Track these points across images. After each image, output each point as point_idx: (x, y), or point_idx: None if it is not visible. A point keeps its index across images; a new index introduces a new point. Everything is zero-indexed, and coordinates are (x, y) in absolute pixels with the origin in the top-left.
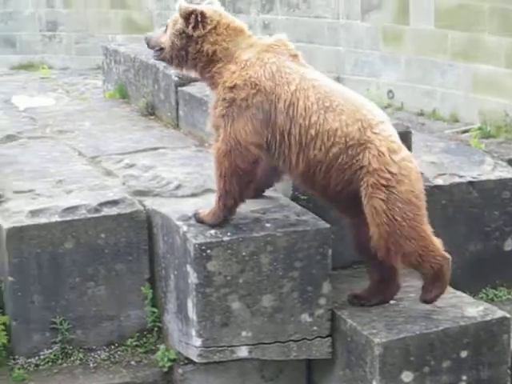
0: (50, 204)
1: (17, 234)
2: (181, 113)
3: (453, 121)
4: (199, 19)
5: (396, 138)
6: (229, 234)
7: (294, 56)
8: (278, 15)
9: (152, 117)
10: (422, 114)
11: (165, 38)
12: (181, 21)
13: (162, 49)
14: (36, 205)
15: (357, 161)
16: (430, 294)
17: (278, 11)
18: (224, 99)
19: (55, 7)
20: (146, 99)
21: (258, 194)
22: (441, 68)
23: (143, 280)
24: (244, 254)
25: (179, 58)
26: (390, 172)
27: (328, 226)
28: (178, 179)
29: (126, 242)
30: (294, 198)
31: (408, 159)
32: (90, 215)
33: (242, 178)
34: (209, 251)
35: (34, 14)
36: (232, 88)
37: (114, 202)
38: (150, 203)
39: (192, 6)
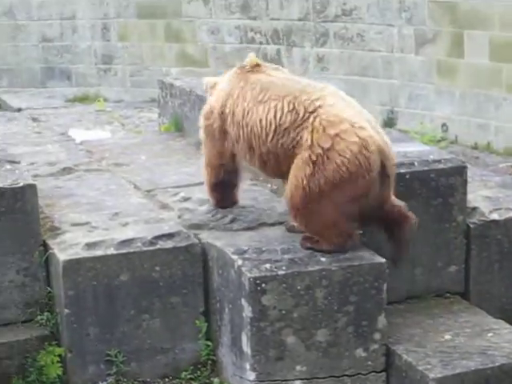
0: (106, 237)
1: (73, 266)
2: None
3: (507, 154)
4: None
5: (343, 111)
6: (284, 268)
7: (256, 66)
8: (333, 48)
9: None
10: (476, 147)
11: None
12: None
13: None
14: (92, 237)
15: (297, 142)
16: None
17: (332, 44)
18: (201, 127)
19: (111, 40)
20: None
21: None
22: (495, 101)
23: (198, 313)
24: (299, 288)
25: None
26: (321, 147)
27: (383, 260)
28: (233, 213)
29: (181, 275)
30: None
31: (349, 133)
32: (145, 248)
33: (220, 187)
34: (264, 285)
35: (90, 47)
36: (203, 118)
37: (169, 235)
38: (206, 236)
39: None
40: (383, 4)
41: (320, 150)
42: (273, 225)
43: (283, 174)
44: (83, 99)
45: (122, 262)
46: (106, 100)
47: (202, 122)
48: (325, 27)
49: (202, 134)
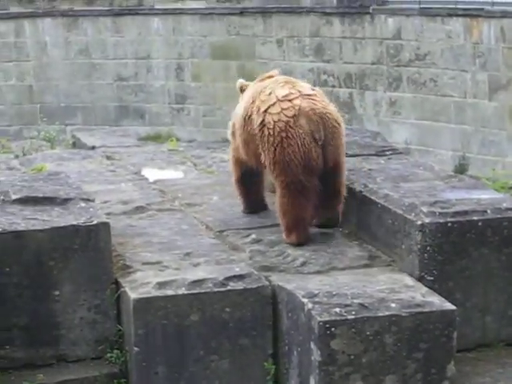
0: (177, 276)
1: (144, 305)
2: None
3: None
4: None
5: (276, 92)
6: (353, 312)
7: (269, 77)
8: (405, 93)
9: None
10: None
11: None
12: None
13: None
14: (163, 277)
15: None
16: None
17: (404, 89)
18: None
19: (185, 81)
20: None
21: None
22: None
23: (266, 355)
24: (368, 333)
25: None
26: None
27: (453, 307)
28: (304, 256)
29: (250, 317)
30: (420, 279)
31: (275, 110)
32: (216, 289)
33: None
34: (333, 329)
35: (164, 86)
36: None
37: (240, 277)
38: (276, 279)
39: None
40: (457, 49)
41: (258, 128)
42: (343, 269)
43: (259, 161)
44: (156, 138)
45: (192, 302)
46: (178, 139)
47: (229, 125)
48: (398, 71)
49: (229, 135)
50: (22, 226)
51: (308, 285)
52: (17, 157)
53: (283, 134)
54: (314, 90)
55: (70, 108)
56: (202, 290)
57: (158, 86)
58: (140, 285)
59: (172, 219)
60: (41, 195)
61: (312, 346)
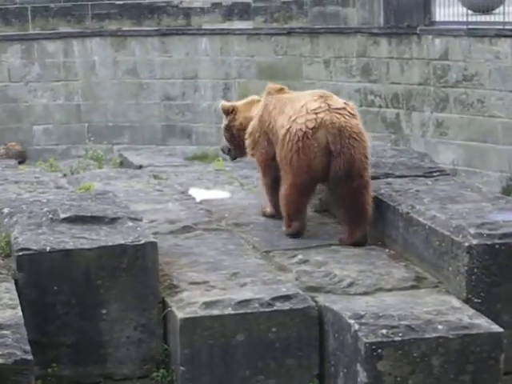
0: (224, 296)
1: (190, 325)
2: None
3: None
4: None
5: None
6: (400, 334)
7: (280, 90)
8: (452, 114)
9: (325, 213)
10: None
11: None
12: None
13: (229, 150)
14: (210, 296)
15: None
16: None
17: (451, 110)
18: (248, 144)
19: (231, 100)
20: (321, 196)
21: None
22: None
23: (312, 376)
24: (415, 355)
25: (236, 146)
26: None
27: (501, 330)
28: (351, 277)
29: (297, 337)
30: (467, 301)
31: (300, 120)
32: (262, 309)
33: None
34: (379, 351)
35: (211, 106)
36: (248, 135)
37: (286, 297)
38: (322, 300)
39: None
40: (505, 70)
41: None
42: (390, 290)
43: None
44: (202, 158)
45: (238, 322)
46: (224, 159)
47: (247, 142)
48: (445, 92)
49: (249, 151)
50: (70, 244)
51: (354, 306)
52: (65, 176)
53: (300, 144)
54: (346, 104)
55: (118, 127)
56: (249, 310)
57: (205, 106)
58: (187, 304)
59: (219, 239)
60: (89, 214)
61: (358, 367)
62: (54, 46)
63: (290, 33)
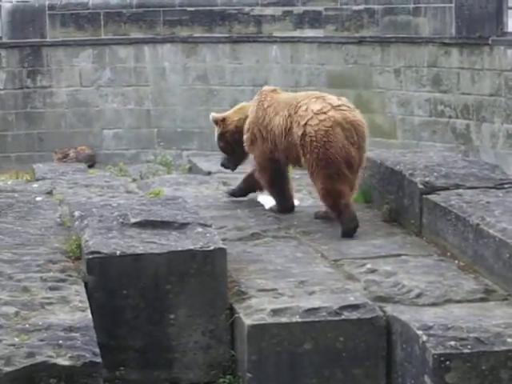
0: (292, 304)
1: (258, 332)
2: (424, 221)
3: None
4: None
5: (311, 106)
6: (469, 346)
7: (273, 91)
8: None
9: (394, 223)
10: None
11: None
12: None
13: (228, 160)
14: (278, 304)
15: (297, 136)
16: None
17: None
18: (246, 141)
19: None
20: (390, 205)
21: None
22: None
23: None
24: (484, 368)
25: (232, 152)
26: (298, 135)
27: None
28: (419, 287)
29: (364, 347)
30: None
31: (313, 119)
32: (330, 318)
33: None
34: (448, 363)
35: None
36: (245, 132)
37: (354, 307)
38: (390, 310)
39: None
40: None
41: (299, 138)
42: (459, 302)
43: (298, 162)
44: None
45: (306, 330)
46: (294, 167)
47: (244, 138)
48: None
49: (247, 147)
50: (140, 249)
51: (423, 317)
52: (134, 180)
53: (325, 139)
54: (340, 99)
55: (187, 133)
56: (317, 319)
57: None
58: (254, 311)
59: (287, 247)
60: (159, 219)
61: (426, 378)
62: (125, 51)
63: (360, 41)
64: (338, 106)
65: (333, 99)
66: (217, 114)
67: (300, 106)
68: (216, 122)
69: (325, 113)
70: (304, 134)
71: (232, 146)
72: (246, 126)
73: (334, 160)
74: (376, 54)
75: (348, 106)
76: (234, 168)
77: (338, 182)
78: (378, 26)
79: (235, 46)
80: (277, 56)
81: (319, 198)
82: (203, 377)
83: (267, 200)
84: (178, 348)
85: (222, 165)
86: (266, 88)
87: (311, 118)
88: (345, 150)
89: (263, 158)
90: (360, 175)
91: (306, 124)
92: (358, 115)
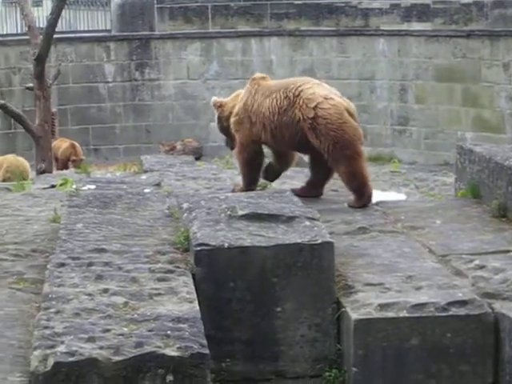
0: (399, 299)
1: (364, 326)
2: None
3: None
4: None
5: (317, 91)
6: None
7: (263, 78)
8: None
9: (504, 219)
10: None
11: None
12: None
13: (227, 141)
14: (385, 298)
15: (292, 118)
16: None
17: None
18: (232, 124)
19: (408, 102)
20: (499, 201)
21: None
22: None
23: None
24: None
25: (229, 135)
26: (308, 118)
27: None
28: None
29: (471, 344)
30: None
31: (323, 103)
32: (438, 313)
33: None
34: None
35: (387, 107)
36: (233, 116)
37: (462, 303)
38: (499, 306)
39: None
40: None
41: (309, 121)
42: None
43: (286, 144)
44: (377, 159)
45: (413, 325)
46: (399, 161)
47: (232, 120)
48: None
49: (234, 128)
50: (247, 241)
51: None
52: None
53: (340, 121)
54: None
55: None
56: (424, 314)
57: (381, 107)
58: (361, 306)
59: (394, 241)
60: (266, 212)
61: None
62: (232, 44)
63: (469, 35)
64: (335, 94)
65: (325, 86)
66: (217, 98)
67: (302, 90)
68: (215, 106)
69: (332, 98)
70: (316, 117)
71: (228, 129)
72: (234, 110)
73: (351, 140)
74: (485, 47)
75: (340, 96)
76: (231, 148)
77: (360, 162)
78: (487, 19)
79: (342, 39)
80: (384, 49)
81: (344, 183)
82: (309, 370)
83: (375, 194)
84: (284, 341)
85: (225, 143)
86: (256, 75)
87: (321, 102)
88: (358, 131)
89: (246, 139)
90: None
91: (316, 107)
92: (347, 101)
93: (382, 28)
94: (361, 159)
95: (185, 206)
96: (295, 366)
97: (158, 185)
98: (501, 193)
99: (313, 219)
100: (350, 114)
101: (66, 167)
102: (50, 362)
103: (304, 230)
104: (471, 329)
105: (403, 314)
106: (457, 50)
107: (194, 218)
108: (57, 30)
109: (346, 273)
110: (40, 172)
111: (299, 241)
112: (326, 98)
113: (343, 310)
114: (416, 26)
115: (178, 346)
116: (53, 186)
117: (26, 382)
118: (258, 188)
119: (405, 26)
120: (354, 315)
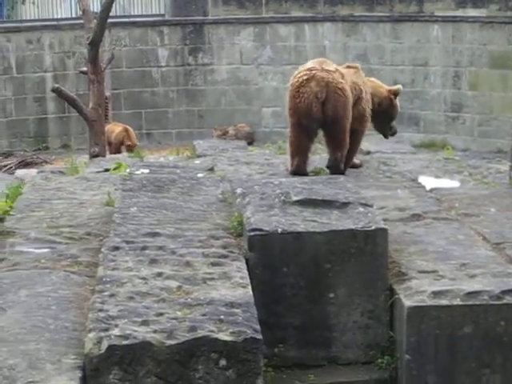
0: (453, 287)
1: (418, 314)
2: None
3: None
4: None
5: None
6: None
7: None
8: None
9: None
10: None
11: None
12: None
13: None
14: (438, 286)
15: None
16: None
17: None
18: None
19: (461, 89)
20: None
21: None
22: None
23: None
24: None
25: None
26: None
27: None
28: None
29: None
30: None
31: (298, 75)
32: (491, 302)
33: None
34: None
35: (440, 94)
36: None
37: None
38: None
39: None
40: None
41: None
42: None
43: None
44: (430, 146)
45: (467, 313)
46: (453, 148)
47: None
48: None
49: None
50: (301, 227)
51: None
52: None
53: (295, 91)
54: (337, 69)
55: None
56: (477, 302)
57: (435, 94)
58: (415, 293)
59: (448, 228)
60: (320, 198)
61: None
62: (285, 29)
63: None
64: (328, 70)
65: (330, 65)
66: None
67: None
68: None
69: (311, 70)
70: (290, 84)
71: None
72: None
73: (298, 110)
74: None
75: (340, 73)
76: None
77: (300, 132)
78: None
79: (396, 25)
80: (438, 36)
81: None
82: (361, 356)
83: (428, 181)
84: (336, 327)
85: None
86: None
87: (299, 72)
88: (307, 103)
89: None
90: (338, 134)
91: (294, 76)
92: (341, 81)
93: (436, 14)
94: (299, 131)
95: (238, 191)
96: (347, 353)
97: (211, 169)
98: None
99: (366, 205)
100: (320, 86)
101: (119, 151)
102: (104, 344)
103: (358, 216)
104: None
105: (457, 301)
106: None
107: (248, 203)
108: (111, 14)
109: (399, 260)
110: (93, 156)
111: (353, 227)
112: (305, 70)
113: (396, 297)
114: (471, 12)
115: (231, 330)
116: (106, 170)
117: (80, 364)
118: (311, 174)
119: (459, 12)
120: (408, 302)
